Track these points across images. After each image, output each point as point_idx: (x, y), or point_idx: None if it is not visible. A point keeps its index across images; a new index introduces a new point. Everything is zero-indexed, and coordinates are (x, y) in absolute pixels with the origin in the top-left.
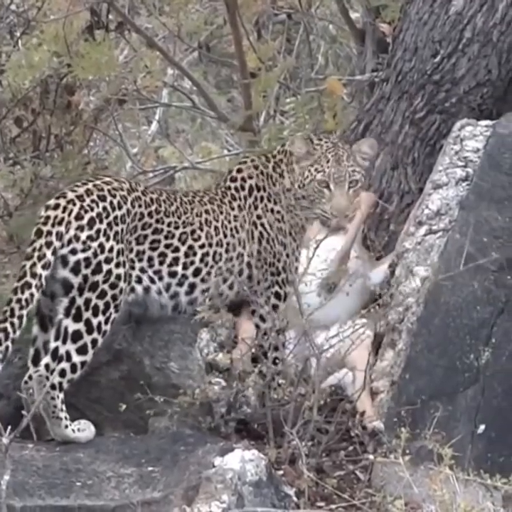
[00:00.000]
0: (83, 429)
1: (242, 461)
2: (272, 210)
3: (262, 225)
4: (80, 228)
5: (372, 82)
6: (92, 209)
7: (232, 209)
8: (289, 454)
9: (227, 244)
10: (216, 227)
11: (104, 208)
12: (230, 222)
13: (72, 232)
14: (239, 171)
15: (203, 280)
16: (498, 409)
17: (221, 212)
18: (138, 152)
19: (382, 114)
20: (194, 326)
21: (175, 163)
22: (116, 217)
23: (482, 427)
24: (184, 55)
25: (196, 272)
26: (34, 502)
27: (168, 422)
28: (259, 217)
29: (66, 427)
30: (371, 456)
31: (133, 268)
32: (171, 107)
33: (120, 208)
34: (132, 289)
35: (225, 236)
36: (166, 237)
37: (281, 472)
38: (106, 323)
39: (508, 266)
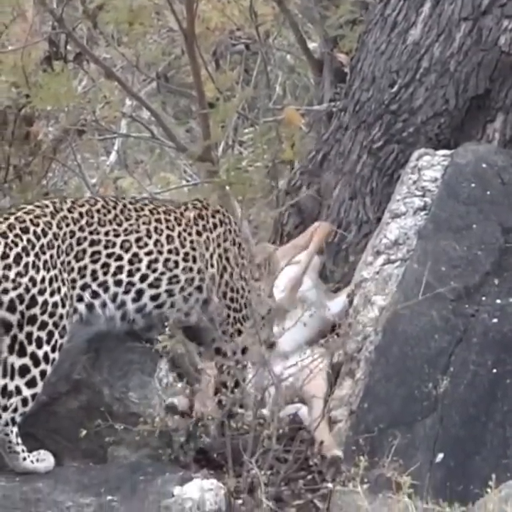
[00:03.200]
0: (42, 460)
1: (201, 490)
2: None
3: (227, 259)
4: (8, 267)
5: (330, 112)
6: (16, 244)
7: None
8: (248, 483)
9: (185, 254)
10: (169, 236)
11: (29, 240)
12: (190, 234)
13: (0, 272)
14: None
15: (151, 286)
16: (456, 437)
17: (179, 224)
18: (97, 183)
19: (340, 143)
20: (153, 356)
21: (134, 194)
22: (42, 246)
23: (440, 456)
24: (142, 85)
25: (143, 278)
26: None
27: (128, 451)
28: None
29: (24, 459)
30: (330, 485)
31: (74, 288)
32: (130, 137)
33: (45, 234)
34: (75, 310)
35: (183, 246)
36: (106, 247)
37: (240, 501)
38: (53, 351)
39: (466, 295)
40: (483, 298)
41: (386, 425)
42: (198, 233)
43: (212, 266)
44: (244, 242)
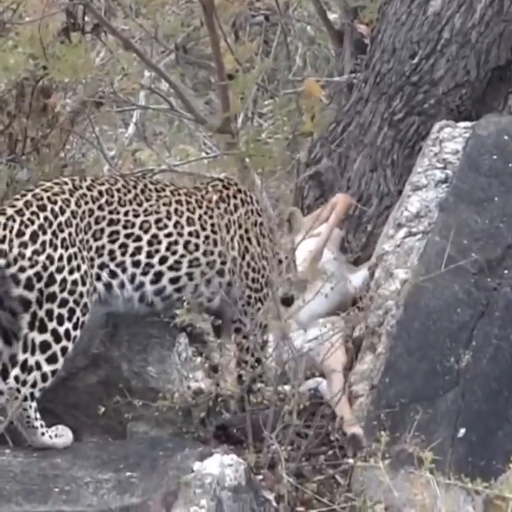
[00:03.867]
0: (61, 435)
1: (221, 466)
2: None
3: (249, 239)
4: (24, 245)
5: (351, 84)
6: (32, 222)
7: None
8: (268, 458)
9: (206, 237)
10: (190, 218)
11: (46, 218)
12: (211, 217)
13: (15, 250)
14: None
15: (171, 268)
16: (478, 412)
17: (200, 206)
18: (115, 155)
19: (360, 115)
20: (172, 330)
21: (152, 166)
22: (60, 224)
23: (462, 431)
24: (161, 57)
25: (162, 260)
26: (11, 508)
27: (147, 426)
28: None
29: (43, 434)
30: (351, 461)
31: (93, 266)
32: (148, 109)
33: (63, 212)
34: (94, 288)
35: (203, 229)
36: (125, 227)
37: (260, 477)
38: (75, 328)
39: (488, 268)
40: (506, 271)
41: (408, 400)
42: (220, 216)
43: (233, 249)
44: (266, 220)
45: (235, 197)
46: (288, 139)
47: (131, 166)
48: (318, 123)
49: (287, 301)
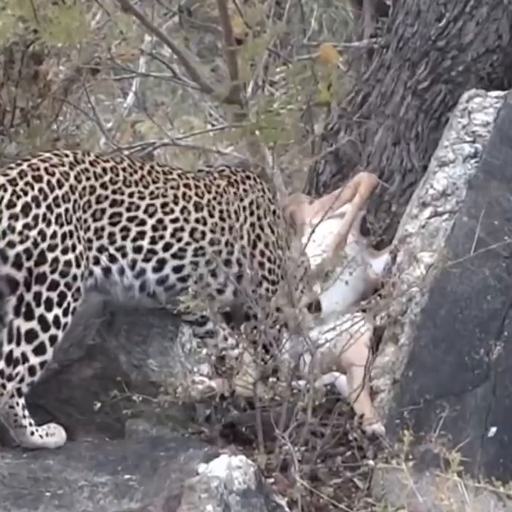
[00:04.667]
0: (52, 434)
1: (228, 468)
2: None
3: (261, 227)
4: (14, 217)
5: (371, 49)
6: (25, 193)
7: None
8: (280, 460)
9: (214, 224)
10: (198, 203)
11: (41, 190)
12: (219, 203)
13: (4, 222)
14: None
15: (174, 256)
16: (510, 409)
17: (208, 191)
18: (112, 127)
19: (381, 84)
20: (175, 319)
21: (153, 139)
22: (56, 198)
23: (493, 430)
24: (163, 20)
25: (166, 247)
26: None
27: (147, 424)
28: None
29: (32, 433)
30: (371, 462)
31: (90, 249)
32: (149, 77)
33: (61, 186)
34: (90, 273)
35: (211, 216)
36: (129, 210)
37: (271, 480)
38: (65, 315)
39: None
40: None
41: (433, 396)
42: (228, 203)
43: (241, 238)
44: (280, 209)
45: (243, 182)
46: (302, 109)
47: (130, 139)
48: (335, 92)
49: (313, 307)
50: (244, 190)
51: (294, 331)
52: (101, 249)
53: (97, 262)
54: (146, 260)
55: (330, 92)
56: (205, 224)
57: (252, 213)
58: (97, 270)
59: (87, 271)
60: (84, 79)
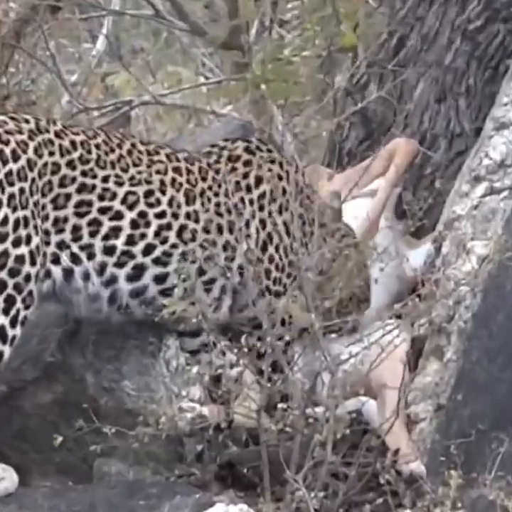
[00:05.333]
0: (1, 478)
1: None
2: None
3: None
4: None
5: None
6: None
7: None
8: (292, 509)
9: (207, 221)
10: (189, 192)
11: None
12: (216, 195)
13: None
14: None
15: (157, 262)
16: None
17: (203, 178)
18: (78, 81)
19: (422, 23)
20: (157, 329)
21: (130, 97)
22: (9, 174)
23: None
24: None
25: (148, 250)
26: None
27: (122, 464)
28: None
29: None
30: (409, 511)
31: (48, 243)
32: (125, 15)
33: (16, 159)
34: (47, 273)
35: (206, 210)
36: (102, 198)
37: None
38: (12, 325)
39: None
40: None
41: (488, 425)
42: (227, 194)
43: (248, 236)
44: (312, 202)
45: (259, 167)
46: (321, 56)
47: (100, 97)
48: (362, 34)
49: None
50: (257, 178)
51: (310, 344)
52: (61, 246)
53: (56, 260)
54: (120, 265)
55: (356, 34)
56: (196, 221)
57: (261, 208)
58: (57, 271)
59: (43, 270)
60: (41, 19)
